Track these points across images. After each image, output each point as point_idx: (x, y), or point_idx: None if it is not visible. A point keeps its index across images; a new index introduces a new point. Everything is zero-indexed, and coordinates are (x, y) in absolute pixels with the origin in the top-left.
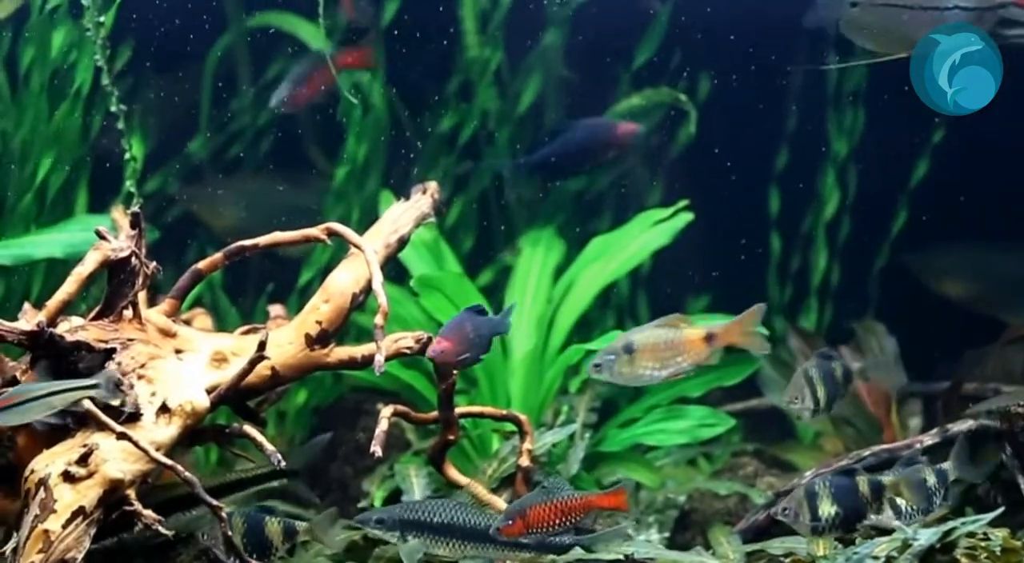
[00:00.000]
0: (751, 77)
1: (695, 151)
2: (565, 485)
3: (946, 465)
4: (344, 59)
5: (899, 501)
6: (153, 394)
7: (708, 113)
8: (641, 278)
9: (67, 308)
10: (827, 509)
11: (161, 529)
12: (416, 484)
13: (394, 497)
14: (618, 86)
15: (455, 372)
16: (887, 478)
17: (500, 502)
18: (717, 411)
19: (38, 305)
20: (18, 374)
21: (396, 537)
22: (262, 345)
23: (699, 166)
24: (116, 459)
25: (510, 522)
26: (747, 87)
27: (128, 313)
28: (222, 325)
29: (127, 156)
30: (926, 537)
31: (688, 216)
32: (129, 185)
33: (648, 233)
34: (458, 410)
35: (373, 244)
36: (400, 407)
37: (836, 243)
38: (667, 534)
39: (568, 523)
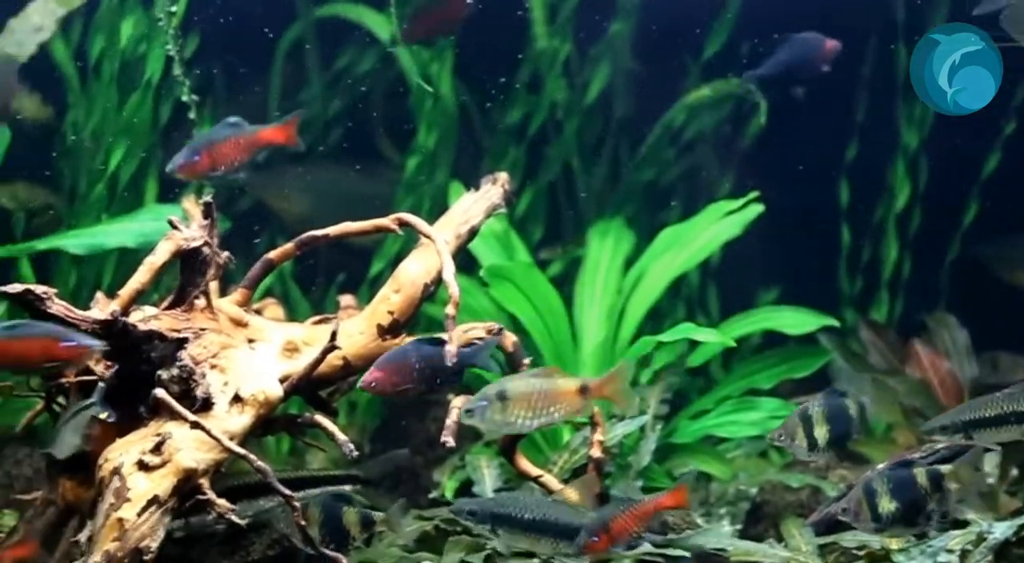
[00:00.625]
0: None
1: (765, 142)
2: (632, 489)
3: None
4: (266, 134)
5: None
6: (226, 384)
7: (778, 104)
8: (711, 270)
9: (139, 298)
10: (887, 505)
11: (234, 518)
12: (487, 475)
13: (465, 488)
14: (687, 77)
15: (526, 361)
16: (945, 468)
17: (574, 493)
18: (788, 403)
19: (110, 294)
20: (91, 363)
21: (487, 530)
22: (334, 335)
23: (769, 157)
24: (189, 448)
25: (595, 539)
26: (817, 78)
27: (200, 303)
28: (293, 315)
29: None
30: (1001, 530)
31: (758, 207)
32: None
33: (718, 224)
34: None
35: (444, 234)
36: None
37: (907, 235)
38: (739, 526)
39: (644, 528)
